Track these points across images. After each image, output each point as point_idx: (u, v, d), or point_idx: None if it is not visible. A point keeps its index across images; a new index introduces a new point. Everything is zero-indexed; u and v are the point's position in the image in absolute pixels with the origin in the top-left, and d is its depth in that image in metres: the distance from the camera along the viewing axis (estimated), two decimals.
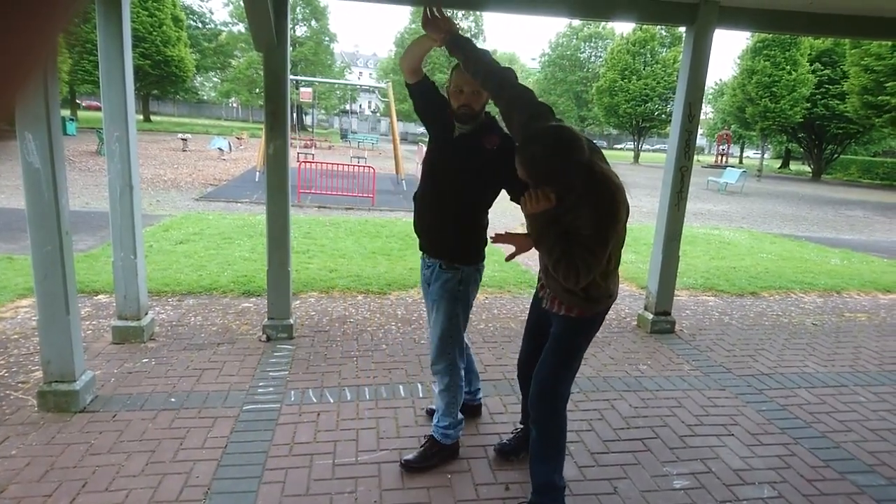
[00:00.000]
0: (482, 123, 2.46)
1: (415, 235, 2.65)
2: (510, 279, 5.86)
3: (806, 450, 2.98)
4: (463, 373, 2.68)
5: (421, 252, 2.66)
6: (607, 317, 2.36)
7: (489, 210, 2.56)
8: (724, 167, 27.55)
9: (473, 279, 2.55)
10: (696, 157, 4.76)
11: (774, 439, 3.08)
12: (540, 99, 2.22)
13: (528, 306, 2.59)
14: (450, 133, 2.47)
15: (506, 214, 9.77)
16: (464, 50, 2.25)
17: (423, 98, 2.53)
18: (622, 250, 2.21)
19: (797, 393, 3.67)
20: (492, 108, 2.56)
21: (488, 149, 2.40)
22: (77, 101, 34.07)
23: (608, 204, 1.95)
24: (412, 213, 2.64)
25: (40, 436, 2.70)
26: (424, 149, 2.75)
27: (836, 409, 3.48)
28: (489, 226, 2.59)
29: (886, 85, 23.25)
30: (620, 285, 2.81)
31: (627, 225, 2.12)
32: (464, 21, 39.28)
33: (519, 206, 2.09)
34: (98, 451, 2.61)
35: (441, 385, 2.63)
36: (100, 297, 4.69)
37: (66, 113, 26.17)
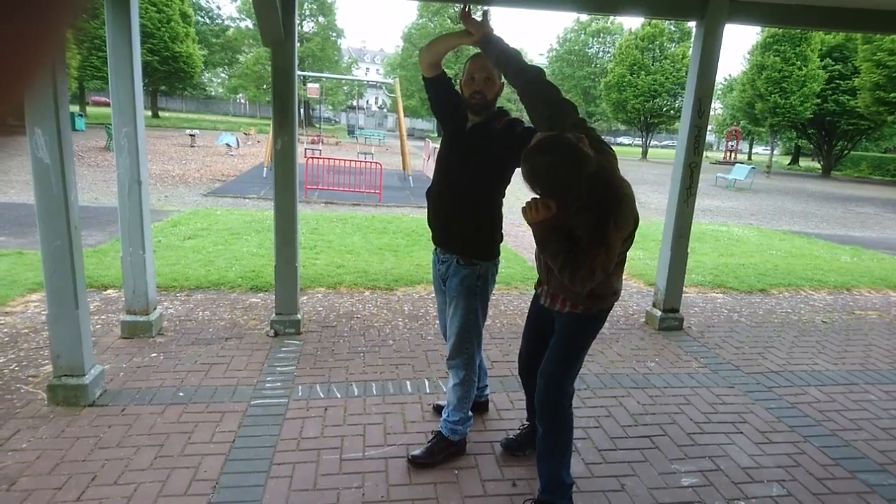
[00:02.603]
0: (494, 115, 2.45)
1: (422, 231, 2.65)
2: (517, 275, 5.84)
3: (815, 448, 2.96)
4: (477, 368, 2.68)
5: (435, 246, 2.65)
6: (615, 313, 2.35)
7: (502, 200, 2.55)
8: (733, 163, 27.36)
9: (491, 273, 2.55)
10: (704, 153, 4.71)
11: (784, 437, 3.06)
12: (566, 97, 2.23)
13: None
14: (463, 125, 2.47)
15: (513, 211, 9.75)
16: (496, 48, 2.28)
17: (438, 92, 2.53)
18: (629, 249, 2.20)
19: (807, 391, 3.65)
20: (502, 104, 2.55)
21: (497, 129, 2.40)
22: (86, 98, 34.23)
23: (613, 216, 1.94)
24: (419, 210, 2.64)
25: (50, 429, 2.73)
26: (432, 144, 2.75)
27: (846, 407, 3.46)
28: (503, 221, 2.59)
29: None
30: (629, 282, 2.80)
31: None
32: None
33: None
34: (107, 444, 2.63)
35: (456, 379, 2.63)
36: (109, 291, 4.72)
37: (74, 108, 26.32)
